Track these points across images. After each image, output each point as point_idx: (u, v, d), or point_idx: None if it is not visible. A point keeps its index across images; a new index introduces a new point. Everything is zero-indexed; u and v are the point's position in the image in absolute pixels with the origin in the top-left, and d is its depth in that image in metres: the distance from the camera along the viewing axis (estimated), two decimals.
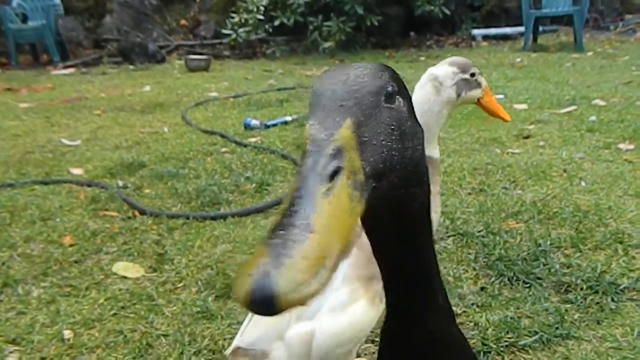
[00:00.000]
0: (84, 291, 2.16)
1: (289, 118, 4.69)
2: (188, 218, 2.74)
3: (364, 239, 1.31)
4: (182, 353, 1.76)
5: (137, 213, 2.87)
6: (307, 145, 0.54)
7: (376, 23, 9.46)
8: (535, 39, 9.11)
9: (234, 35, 9.79)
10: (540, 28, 9.49)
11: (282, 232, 0.47)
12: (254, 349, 1.34)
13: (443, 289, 0.76)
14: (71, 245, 2.55)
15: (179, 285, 2.17)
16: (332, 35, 9.27)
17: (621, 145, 3.52)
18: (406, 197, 0.64)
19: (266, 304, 0.43)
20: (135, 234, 2.65)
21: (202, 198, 3.02)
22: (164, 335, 1.86)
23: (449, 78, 1.47)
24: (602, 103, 4.71)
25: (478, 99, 1.53)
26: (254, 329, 1.37)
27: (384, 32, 9.99)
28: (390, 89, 0.60)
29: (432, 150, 1.46)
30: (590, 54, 8.04)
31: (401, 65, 8.00)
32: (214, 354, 1.76)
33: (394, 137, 0.59)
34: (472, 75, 1.48)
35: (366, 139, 0.56)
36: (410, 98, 0.67)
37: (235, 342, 1.40)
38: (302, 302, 0.43)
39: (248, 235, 2.56)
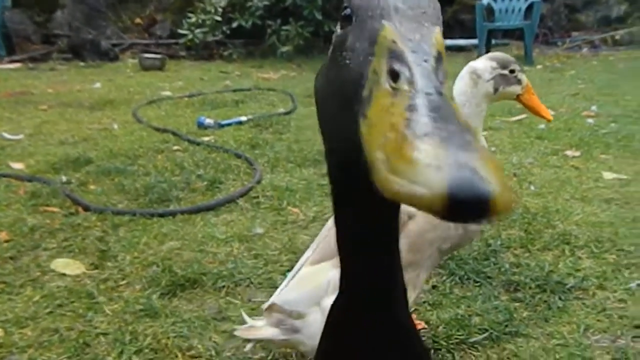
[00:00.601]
0: (18, 288, 2.03)
1: (244, 118, 4.62)
2: (135, 215, 2.64)
3: (411, 228, 1.43)
4: (122, 352, 1.67)
5: (80, 209, 2.73)
6: (398, 46, 0.47)
7: (334, 28, 9.49)
8: (487, 51, 9.34)
9: (190, 36, 9.62)
10: (493, 41, 9.75)
11: (438, 125, 0.39)
12: (291, 308, 1.40)
13: (402, 279, 0.69)
14: (6, 241, 2.40)
15: (122, 282, 2.07)
16: (290, 40, 9.24)
17: (568, 152, 3.62)
18: None
19: (479, 205, 0.34)
20: (77, 230, 2.52)
21: (151, 195, 2.91)
22: (103, 334, 1.76)
23: (487, 72, 1.48)
24: (550, 112, 4.85)
25: (518, 95, 1.54)
26: (293, 290, 1.42)
27: None
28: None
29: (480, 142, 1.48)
30: (539, 67, 8.31)
31: None
32: (156, 353, 1.67)
33: None
34: (512, 71, 1.50)
35: None
36: None
37: (273, 299, 1.45)
38: (510, 206, 0.35)
39: (197, 232, 2.47)
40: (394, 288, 0.66)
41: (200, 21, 9.59)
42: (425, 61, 0.46)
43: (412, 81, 0.44)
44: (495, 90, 1.50)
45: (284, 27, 9.31)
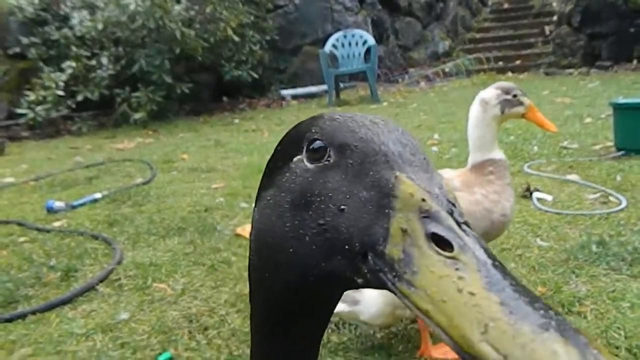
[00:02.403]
0: None
1: (98, 195, 4.35)
2: None
3: None
4: None
5: None
6: (428, 204, 0.45)
7: (187, 91, 9.44)
8: (337, 95, 9.88)
9: (31, 114, 8.97)
10: (341, 84, 10.34)
11: (545, 316, 0.39)
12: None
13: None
14: None
15: None
16: (142, 106, 9.00)
17: None
18: None
19: None
20: None
21: None
22: None
23: (493, 98, 1.83)
24: None
25: (523, 114, 1.88)
26: None
27: (196, 99, 10.01)
28: None
29: (496, 154, 1.83)
30: (385, 104, 8.95)
31: (216, 129, 8.05)
32: None
33: None
34: (515, 95, 1.84)
35: None
36: None
37: None
38: None
39: (52, 332, 2.24)
40: None
41: (40, 98, 9.00)
42: (465, 223, 0.45)
43: (469, 252, 0.43)
44: (502, 112, 1.83)
45: (134, 94, 9.07)
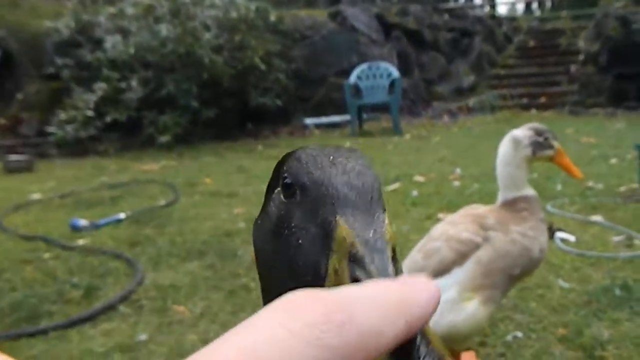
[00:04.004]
0: None
1: (122, 215, 4.43)
2: None
3: (482, 256, 1.75)
4: None
5: None
6: (357, 249, 0.46)
7: (212, 115, 9.62)
8: (360, 125, 9.96)
9: (61, 133, 9.21)
10: (364, 115, 10.42)
11: None
12: None
13: None
14: None
15: None
16: (168, 129, 9.18)
17: (440, 215, 3.88)
18: None
19: None
20: None
21: (18, 313, 2.65)
22: None
23: (525, 139, 1.85)
24: (421, 179, 5.21)
25: (551, 158, 1.90)
26: None
27: (221, 125, 10.17)
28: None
29: (528, 190, 1.86)
30: (408, 136, 8.98)
31: (240, 155, 8.15)
32: None
33: None
34: (546, 139, 1.87)
35: None
36: None
37: None
38: None
39: (73, 349, 2.27)
40: None
41: (70, 117, 9.25)
42: (385, 271, 0.45)
43: None
44: (533, 153, 1.85)
45: (161, 117, 9.26)
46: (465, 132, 8.96)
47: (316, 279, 0.49)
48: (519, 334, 2.20)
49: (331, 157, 0.55)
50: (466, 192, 4.56)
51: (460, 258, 1.79)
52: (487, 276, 1.77)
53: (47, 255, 3.60)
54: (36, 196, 5.75)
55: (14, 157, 8.18)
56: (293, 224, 0.53)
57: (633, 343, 2.08)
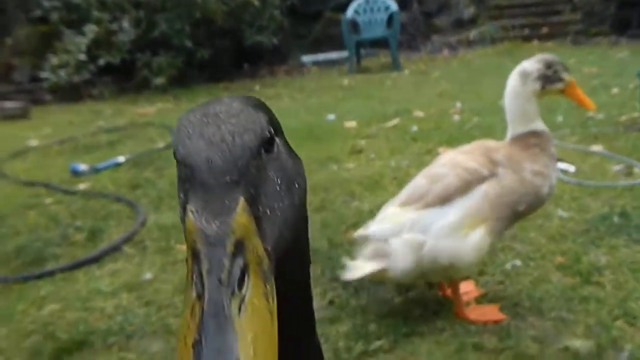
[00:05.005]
0: None
1: (121, 159, 4.42)
2: (7, 281, 2.42)
3: (489, 190, 1.77)
4: None
5: None
6: (197, 244, 0.44)
7: (207, 56, 9.41)
8: (358, 62, 9.76)
9: (54, 78, 9.05)
10: (363, 51, 10.20)
11: None
12: (378, 237, 1.82)
13: (315, 330, 0.66)
14: None
15: None
16: (163, 71, 9.01)
17: (440, 150, 3.86)
18: (298, 254, 0.57)
19: None
20: None
21: (24, 257, 2.69)
22: None
23: (534, 72, 1.80)
24: (421, 114, 5.16)
25: (562, 90, 1.86)
26: (379, 224, 1.86)
27: (216, 65, 9.97)
28: (268, 133, 0.51)
29: (538, 125, 1.82)
30: (407, 71, 8.82)
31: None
32: None
33: (282, 193, 0.51)
34: (555, 72, 1.82)
35: (260, 213, 0.48)
36: (279, 125, 0.57)
37: (361, 231, 1.91)
38: None
39: (80, 289, 2.32)
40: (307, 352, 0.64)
41: (62, 62, 9.07)
42: (217, 271, 0.44)
43: (201, 303, 0.43)
44: (542, 87, 1.81)
45: (155, 59, 9.07)
46: (465, 66, 8.80)
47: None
48: (518, 263, 2.24)
49: (205, 121, 0.50)
50: (466, 127, 4.52)
51: (465, 187, 1.80)
52: (493, 210, 1.78)
53: (49, 200, 3.62)
54: (34, 142, 5.72)
55: (8, 104, 8.09)
56: (180, 191, 0.50)
57: (629, 268, 2.11)
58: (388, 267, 1.80)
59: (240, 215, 0.46)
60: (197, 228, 0.45)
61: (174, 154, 0.50)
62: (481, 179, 1.80)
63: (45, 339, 1.95)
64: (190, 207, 0.46)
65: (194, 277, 0.44)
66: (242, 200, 0.46)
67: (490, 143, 1.94)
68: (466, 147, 1.97)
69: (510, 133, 1.88)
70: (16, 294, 2.33)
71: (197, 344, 0.41)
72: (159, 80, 8.93)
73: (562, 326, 1.83)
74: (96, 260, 2.58)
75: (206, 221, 0.45)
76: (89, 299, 2.24)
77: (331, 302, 2.07)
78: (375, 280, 2.01)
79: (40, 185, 3.94)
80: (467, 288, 2.05)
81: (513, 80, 1.83)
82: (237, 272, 0.44)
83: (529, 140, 1.82)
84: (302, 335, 0.63)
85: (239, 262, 0.44)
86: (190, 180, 0.48)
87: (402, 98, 6.24)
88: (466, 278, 2.07)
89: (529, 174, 1.79)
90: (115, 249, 2.67)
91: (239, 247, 0.45)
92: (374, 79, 8.33)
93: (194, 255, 0.45)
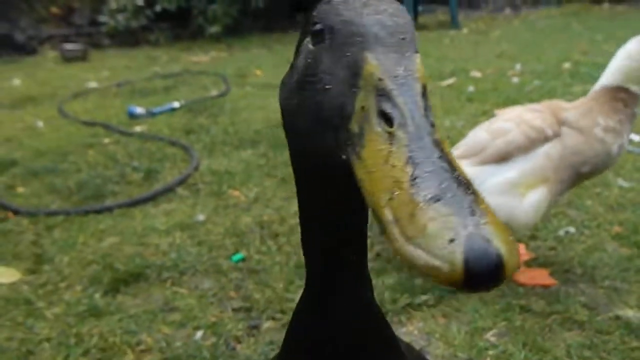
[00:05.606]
0: None
1: (176, 104, 4.51)
2: (69, 214, 2.54)
3: (552, 150, 1.73)
4: (67, 356, 1.62)
5: (10, 214, 2.61)
6: (385, 83, 0.47)
7: (262, 5, 9.33)
8: (415, 18, 9.48)
9: (112, 23, 9.21)
10: (420, 8, 9.88)
11: (443, 186, 0.40)
12: None
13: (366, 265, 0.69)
14: None
15: (61, 285, 2.01)
16: (217, 20, 9.01)
17: (497, 112, 3.74)
18: None
19: (495, 274, 0.37)
20: (8, 236, 2.41)
21: (84, 192, 2.82)
22: (46, 340, 1.70)
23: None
24: (478, 75, 5.00)
25: None
26: None
27: (270, 15, 9.89)
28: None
29: (635, 86, 1.74)
30: (465, 30, 8.51)
31: (289, 48, 7.90)
32: (104, 351, 1.64)
33: None
34: None
35: None
36: None
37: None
38: (518, 266, 0.38)
39: (137, 226, 2.42)
40: (362, 277, 0.67)
41: (120, 6, 9.19)
42: (414, 102, 0.46)
43: (406, 128, 0.45)
44: None
45: (211, 7, 9.07)
46: (528, 26, 8.41)
47: (342, 120, 0.49)
48: (572, 230, 2.18)
49: (369, 3, 0.54)
50: (525, 89, 4.36)
51: (529, 145, 1.75)
52: (556, 170, 1.74)
53: (107, 140, 3.74)
54: (93, 84, 5.89)
55: (69, 46, 8.30)
56: (320, 70, 0.53)
57: None
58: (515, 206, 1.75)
59: (420, 63, 0.50)
60: (385, 69, 0.48)
61: (318, 24, 0.54)
62: (546, 139, 1.75)
63: (104, 269, 2.06)
64: (371, 58, 0.49)
65: (377, 115, 0.47)
66: (418, 55, 0.51)
67: (562, 103, 1.87)
68: (535, 105, 1.90)
69: (601, 83, 1.79)
70: (77, 226, 2.45)
71: (411, 160, 0.43)
72: (214, 29, 8.94)
73: (614, 295, 1.79)
74: (152, 199, 2.67)
75: (392, 64, 0.48)
76: (144, 235, 2.33)
77: (378, 255, 2.08)
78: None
79: (100, 125, 4.08)
80: None
81: (635, 45, 1.73)
82: (429, 113, 0.47)
83: (618, 94, 1.74)
84: (361, 259, 0.66)
85: (428, 102, 0.48)
86: (365, 35, 0.51)
87: (460, 57, 6.05)
88: (517, 241, 2.05)
89: (600, 131, 1.72)
90: (169, 190, 2.76)
91: (425, 92, 0.48)
92: (431, 36, 8.08)
93: (381, 93, 0.47)
